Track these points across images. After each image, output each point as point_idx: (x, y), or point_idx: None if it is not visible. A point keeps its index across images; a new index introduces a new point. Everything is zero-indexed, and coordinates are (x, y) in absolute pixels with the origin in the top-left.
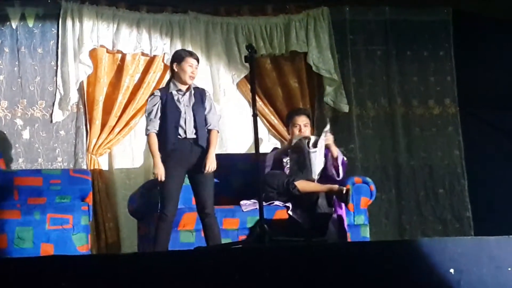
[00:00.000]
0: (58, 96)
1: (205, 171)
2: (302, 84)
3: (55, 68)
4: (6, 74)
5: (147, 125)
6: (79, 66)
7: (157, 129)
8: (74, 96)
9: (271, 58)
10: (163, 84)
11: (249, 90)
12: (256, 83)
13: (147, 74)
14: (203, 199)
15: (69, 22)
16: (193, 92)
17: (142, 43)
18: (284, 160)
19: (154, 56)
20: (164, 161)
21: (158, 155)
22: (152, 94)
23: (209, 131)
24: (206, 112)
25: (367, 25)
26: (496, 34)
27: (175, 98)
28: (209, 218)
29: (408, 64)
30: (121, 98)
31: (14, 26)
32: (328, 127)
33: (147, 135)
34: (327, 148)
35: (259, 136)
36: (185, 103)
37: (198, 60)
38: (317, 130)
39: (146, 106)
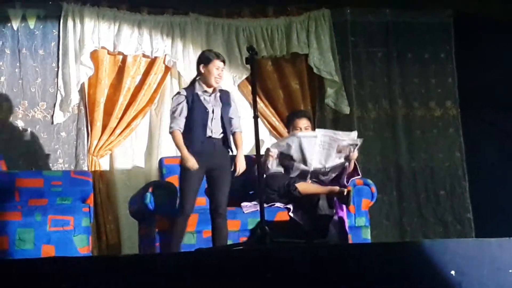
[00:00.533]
0: (59, 98)
1: (236, 173)
2: (303, 86)
3: (56, 69)
4: (7, 76)
5: (170, 123)
6: (80, 67)
7: (182, 127)
8: (75, 98)
9: (272, 60)
10: (164, 85)
11: (250, 91)
12: (257, 85)
13: (148, 76)
14: (218, 199)
15: (70, 24)
16: (218, 94)
17: (143, 45)
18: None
19: (155, 57)
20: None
21: (185, 149)
22: (178, 93)
23: (234, 133)
24: (230, 114)
25: (368, 27)
26: (497, 35)
27: (201, 98)
28: (221, 219)
29: (409, 66)
30: (122, 100)
31: (15, 28)
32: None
33: (171, 132)
34: (347, 160)
35: (260, 137)
36: (212, 104)
37: (224, 62)
38: None
39: (171, 104)
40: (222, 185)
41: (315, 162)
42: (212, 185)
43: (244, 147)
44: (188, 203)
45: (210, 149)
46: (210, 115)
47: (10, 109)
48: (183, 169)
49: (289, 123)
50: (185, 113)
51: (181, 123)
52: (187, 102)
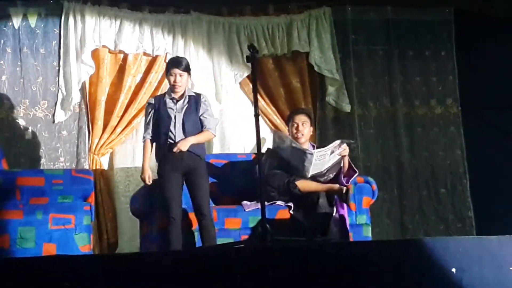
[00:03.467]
0: (60, 96)
1: (174, 150)
2: (304, 84)
3: (57, 68)
4: (9, 75)
5: (143, 132)
6: (81, 66)
7: (151, 135)
8: (76, 96)
9: (273, 58)
10: (164, 83)
11: (251, 89)
12: (258, 83)
13: (149, 74)
14: (198, 201)
15: (71, 22)
16: (187, 99)
17: (144, 43)
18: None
19: (156, 56)
20: (161, 166)
21: (146, 160)
22: (148, 102)
23: (202, 131)
24: (200, 115)
25: (369, 25)
26: (498, 33)
27: (168, 105)
28: (206, 220)
29: (410, 64)
30: (123, 98)
31: (16, 27)
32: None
33: (143, 141)
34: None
35: (262, 135)
36: (177, 110)
37: (184, 66)
38: (319, 131)
39: (145, 111)
40: (199, 187)
41: (312, 171)
42: (191, 189)
43: (245, 145)
44: (173, 211)
45: (178, 154)
46: (173, 121)
47: (11, 108)
48: (160, 179)
49: (288, 121)
50: (152, 121)
51: (149, 131)
52: (154, 110)
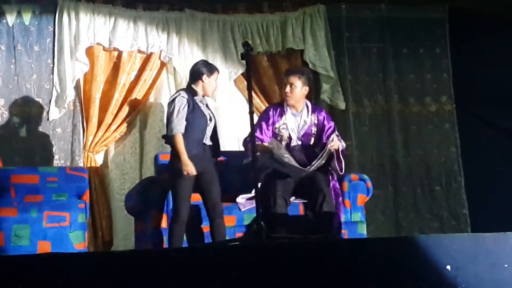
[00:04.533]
0: (54, 94)
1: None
2: None
3: (51, 66)
4: (3, 72)
5: (172, 124)
6: (75, 63)
7: (183, 131)
8: (70, 94)
9: (267, 56)
10: (159, 81)
11: (245, 87)
12: (252, 80)
13: (144, 72)
14: (213, 201)
15: (65, 20)
16: (206, 102)
17: (138, 41)
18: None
19: (151, 53)
20: (173, 165)
21: (184, 153)
22: (179, 94)
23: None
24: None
25: (364, 22)
26: (492, 31)
27: (200, 105)
28: (220, 218)
29: (405, 61)
30: (118, 96)
31: (10, 24)
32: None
33: (174, 134)
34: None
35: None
36: (208, 112)
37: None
38: None
39: (173, 105)
40: (214, 186)
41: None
42: (205, 187)
43: (240, 142)
44: (183, 210)
45: (202, 154)
46: (208, 122)
47: (5, 105)
48: (176, 175)
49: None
50: (185, 116)
51: (183, 125)
52: (188, 106)
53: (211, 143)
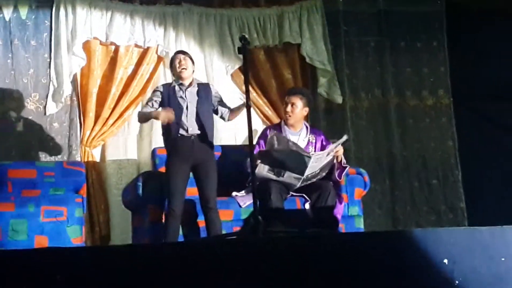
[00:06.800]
0: (51, 89)
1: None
2: (295, 75)
3: (48, 60)
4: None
5: (142, 109)
6: (72, 58)
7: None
8: (67, 88)
9: (264, 50)
10: (156, 75)
11: (242, 81)
12: (249, 74)
13: (141, 66)
14: (206, 194)
15: (62, 14)
16: (197, 88)
17: (135, 35)
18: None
19: (148, 47)
20: (170, 157)
21: (152, 111)
22: (155, 89)
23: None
24: (214, 102)
25: (361, 16)
26: (489, 25)
27: (178, 94)
28: (212, 213)
29: (402, 55)
30: (115, 90)
31: (7, 18)
32: (344, 139)
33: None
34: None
35: (253, 127)
36: (188, 100)
37: (186, 53)
38: (311, 122)
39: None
40: (208, 180)
41: (307, 172)
42: (199, 181)
43: (237, 136)
44: (176, 204)
45: (188, 146)
46: (184, 111)
47: (2, 100)
48: (169, 169)
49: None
50: (156, 106)
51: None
52: (163, 97)
53: (198, 132)
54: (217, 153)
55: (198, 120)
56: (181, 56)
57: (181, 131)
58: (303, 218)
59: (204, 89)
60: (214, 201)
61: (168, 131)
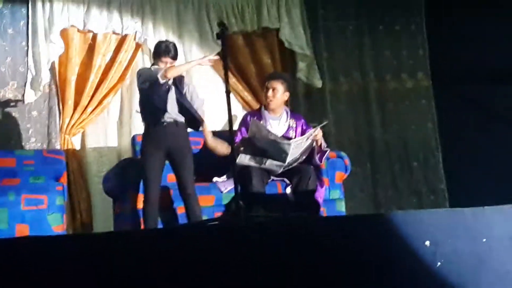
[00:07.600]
0: (29, 77)
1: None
2: (274, 60)
3: (26, 48)
4: None
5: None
6: (50, 46)
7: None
8: (45, 77)
9: (243, 35)
10: (135, 62)
11: (221, 67)
12: (228, 60)
13: (119, 53)
14: (183, 181)
15: (39, 2)
16: (172, 79)
17: (113, 23)
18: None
19: (126, 35)
20: (144, 144)
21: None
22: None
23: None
24: (188, 95)
25: (339, 0)
26: (468, 7)
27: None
28: (191, 199)
29: (381, 38)
30: (93, 78)
31: None
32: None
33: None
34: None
35: (233, 113)
36: (168, 87)
37: (173, 54)
38: (291, 107)
39: (139, 79)
40: (184, 166)
41: (289, 159)
42: (175, 167)
43: (217, 122)
44: (151, 191)
45: (163, 132)
46: (164, 98)
47: None
48: (144, 156)
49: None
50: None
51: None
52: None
53: (183, 119)
54: (199, 139)
55: (180, 107)
56: (170, 62)
57: (165, 118)
58: (285, 203)
59: (179, 80)
60: (191, 187)
61: (148, 118)
